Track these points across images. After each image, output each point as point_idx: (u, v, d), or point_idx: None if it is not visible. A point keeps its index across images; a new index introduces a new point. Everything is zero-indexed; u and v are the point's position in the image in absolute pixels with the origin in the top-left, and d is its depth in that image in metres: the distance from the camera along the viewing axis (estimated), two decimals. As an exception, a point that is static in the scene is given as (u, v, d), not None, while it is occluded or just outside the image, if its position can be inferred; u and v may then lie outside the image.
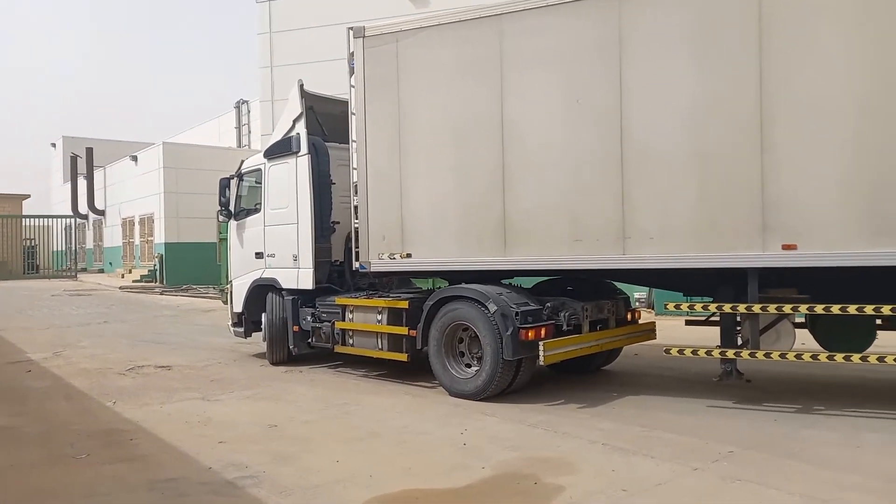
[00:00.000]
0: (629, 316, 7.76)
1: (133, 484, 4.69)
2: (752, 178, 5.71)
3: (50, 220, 36.32)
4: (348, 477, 4.73)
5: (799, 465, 4.79)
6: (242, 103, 34.88)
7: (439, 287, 8.97)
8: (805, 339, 6.63)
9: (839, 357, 5.70)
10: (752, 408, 6.31)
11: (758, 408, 6.31)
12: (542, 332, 6.63)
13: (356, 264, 7.93)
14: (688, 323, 7.40)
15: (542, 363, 6.60)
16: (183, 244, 27.28)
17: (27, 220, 36.65)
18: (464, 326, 7.11)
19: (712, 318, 6.87)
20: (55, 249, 36.09)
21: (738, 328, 6.42)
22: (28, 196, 40.05)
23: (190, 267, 26.49)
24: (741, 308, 6.04)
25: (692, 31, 5.97)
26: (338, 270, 9.15)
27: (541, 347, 6.47)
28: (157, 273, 27.18)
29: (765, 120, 5.66)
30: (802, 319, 6.64)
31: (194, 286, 24.56)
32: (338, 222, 8.97)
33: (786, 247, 5.61)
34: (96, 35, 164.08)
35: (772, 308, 5.91)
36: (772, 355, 5.95)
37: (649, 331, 7.90)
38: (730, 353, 6.16)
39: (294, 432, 5.96)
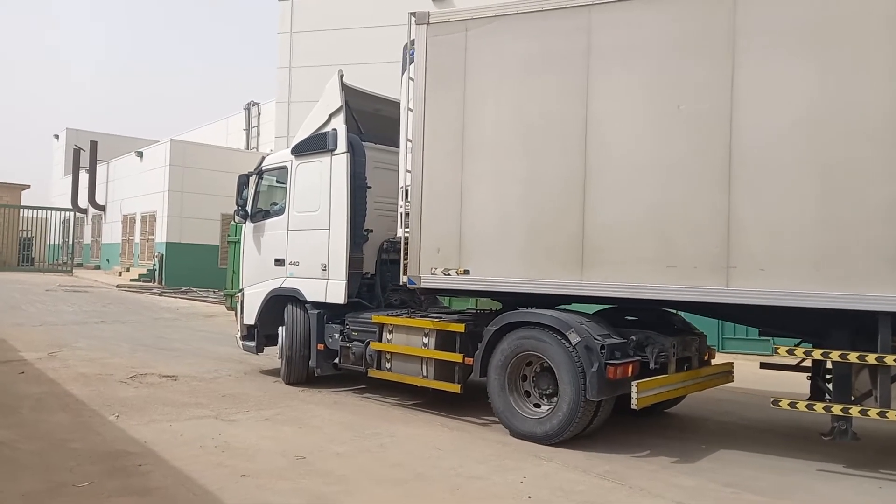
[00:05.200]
0: (705, 355, 6.89)
1: (146, 527, 3.93)
2: (890, 200, 4.89)
3: (48, 212, 35.30)
4: (404, 533, 3.98)
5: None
6: (253, 105, 34.23)
7: (482, 310, 8.19)
8: None
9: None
10: (848, 472, 5.56)
11: (852, 471, 5.56)
12: (630, 369, 5.78)
13: (404, 279, 7.02)
14: (763, 366, 6.64)
15: (634, 406, 5.68)
16: (185, 245, 26.45)
17: (24, 210, 35.63)
18: (529, 358, 6.23)
19: (802, 364, 6.12)
20: (51, 243, 35.04)
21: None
22: (28, 186, 39.06)
23: (190, 269, 25.67)
24: (871, 359, 5.12)
25: (818, 26, 5.17)
26: (367, 284, 8.36)
27: (634, 388, 5.60)
28: (156, 273, 26.28)
29: None
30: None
31: (194, 289, 23.72)
32: (371, 230, 8.21)
33: None
34: (107, 29, 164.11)
35: None
36: (905, 416, 5.03)
37: (727, 373, 7.01)
38: (854, 411, 5.25)
39: (326, 467, 5.19)
